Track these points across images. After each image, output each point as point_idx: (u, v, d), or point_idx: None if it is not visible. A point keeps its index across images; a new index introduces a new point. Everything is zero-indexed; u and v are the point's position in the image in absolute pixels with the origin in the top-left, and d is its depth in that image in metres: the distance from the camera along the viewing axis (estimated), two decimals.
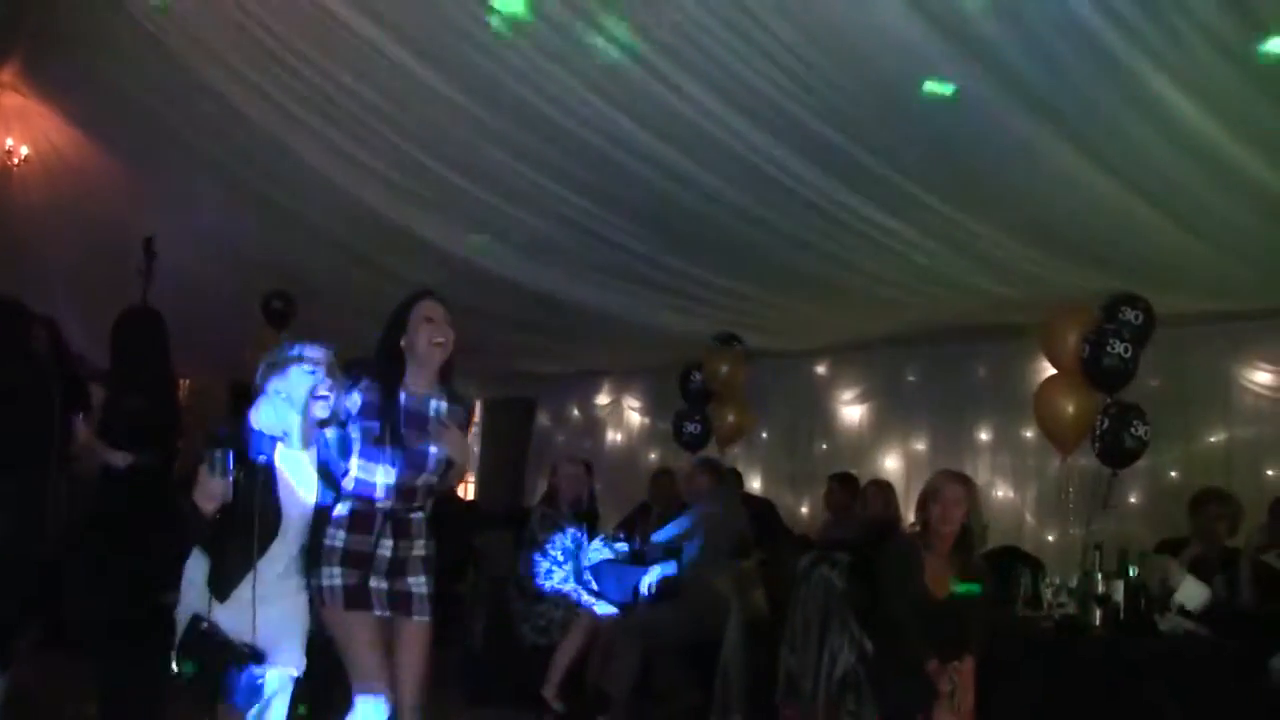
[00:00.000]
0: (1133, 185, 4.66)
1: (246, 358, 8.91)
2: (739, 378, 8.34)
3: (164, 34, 5.74)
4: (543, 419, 12.40)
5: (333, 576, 3.74)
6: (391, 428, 3.79)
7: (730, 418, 8.55)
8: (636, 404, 11.14)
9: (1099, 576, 5.04)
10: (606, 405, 11.54)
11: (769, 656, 5.16)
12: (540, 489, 11.62)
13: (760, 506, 8.08)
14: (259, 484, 3.56)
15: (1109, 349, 5.94)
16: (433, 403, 3.90)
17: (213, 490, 3.47)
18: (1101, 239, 5.37)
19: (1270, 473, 6.38)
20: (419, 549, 3.90)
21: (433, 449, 3.85)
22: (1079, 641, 4.99)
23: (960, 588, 4.70)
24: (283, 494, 3.64)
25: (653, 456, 10.53)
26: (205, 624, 3.50)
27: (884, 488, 7.16)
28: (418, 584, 3.86)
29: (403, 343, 3.86)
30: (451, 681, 6.54)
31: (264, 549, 3.58)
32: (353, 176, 6.34)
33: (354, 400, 3.84)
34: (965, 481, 4.84)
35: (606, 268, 6.97)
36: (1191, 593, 4.29)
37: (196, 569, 3.62)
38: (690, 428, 8.81)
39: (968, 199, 5.16)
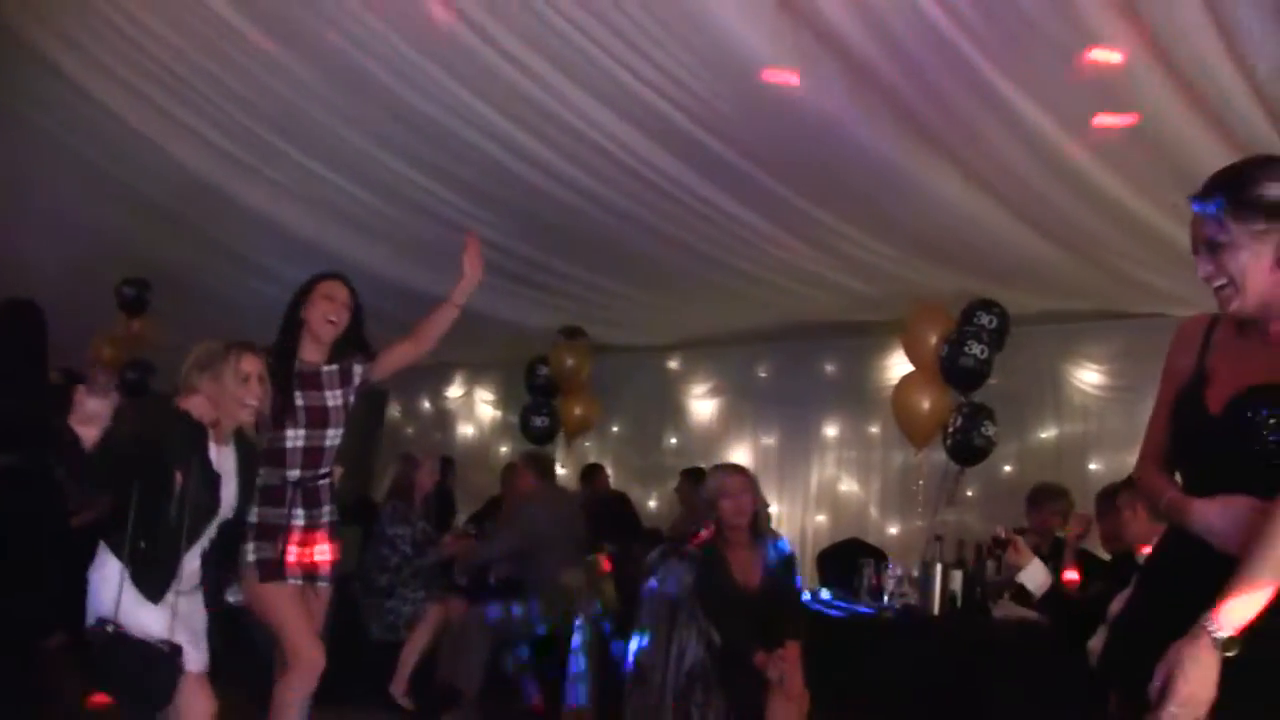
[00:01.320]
0: (985, 187, 4.80)
1: (96, 345, 8.62)
2: (585, 371, 8.36)
3: None
4: (393, 411, 12.24)
5: (247, 552, 3.98)
6: (285, 394, 3.98)
7: (577, 411, 8.57)
8: (489, 397, 11.07)
9: (939, 566, 5.20)
10: (458, 398, 11.45)
11: (619, 649, 5.19)
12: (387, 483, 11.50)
13: (614, 500, 8.12)
14: (194, 479, 3.52)
15: (966, 350, 6.16)
16: (324, 370, 4.14)
17: (91, 411, 3.12)
18: (953, 239, 5.52)
19: (1094, 466, 6.67)
20: (328, 515, 4.17)
21: (329, 402, 4.10)
22: (918, 628, 5.15)
23: (769, 574, 4.81)
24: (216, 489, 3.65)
25: (504, 450, 10.49)
26: (111, 627, 3.42)
27: (697, 481, 7.28)
28: (321, 552, 4.12)
29: (302, 314, 4.11)
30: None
31: (192, 543, 3.57)
32: (209, 163, 6.14)
33: None
34: (743, 471, 4.99)
35: (454, 257, 6.87)
36: (1035, 574, 4.51)
37: (109, 570, 3.49)
38: (538, 421, 8.80)
39: (825, 196, 5.24)
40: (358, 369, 4.24)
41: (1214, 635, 2.01)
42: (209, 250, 7.70)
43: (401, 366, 4.42)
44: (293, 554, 4.03)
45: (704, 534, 4.92)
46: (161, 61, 5.24)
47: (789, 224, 5.56)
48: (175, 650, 3.44)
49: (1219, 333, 2.37)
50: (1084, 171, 4.49)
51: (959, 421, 6.28)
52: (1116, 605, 4.17)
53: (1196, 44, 3.53)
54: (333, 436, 4.16)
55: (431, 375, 11.47)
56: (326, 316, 4.12)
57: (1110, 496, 4.81)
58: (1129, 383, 6.60)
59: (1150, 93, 3.85)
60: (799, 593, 5.05)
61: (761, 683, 4.56)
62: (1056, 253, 5.43)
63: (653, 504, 9.20)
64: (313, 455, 4.11)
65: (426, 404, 11.87)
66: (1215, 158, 4.05)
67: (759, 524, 4.85)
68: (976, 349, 6.16)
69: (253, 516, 4.00)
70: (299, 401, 4.06)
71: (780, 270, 6.32)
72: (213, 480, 3.61)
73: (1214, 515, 2.20)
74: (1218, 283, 2.23)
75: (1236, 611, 2.01)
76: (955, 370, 6.25)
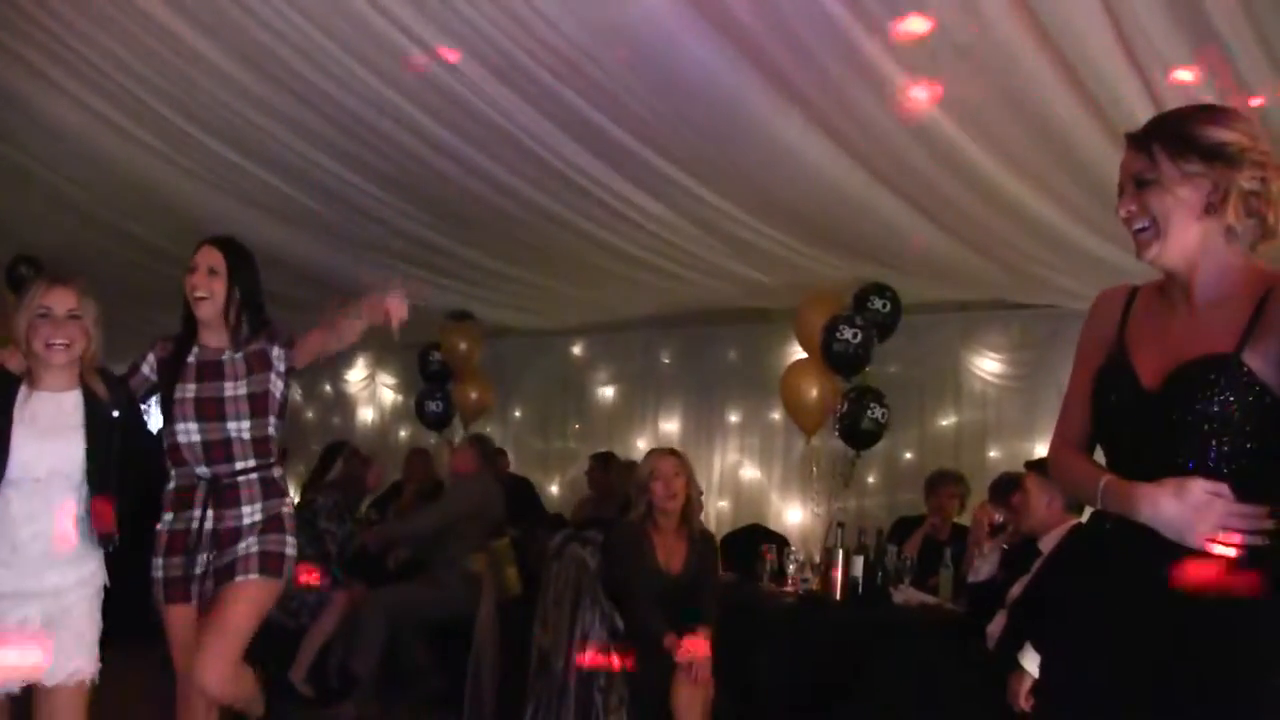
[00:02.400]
0: (879, 176, 4.86)
1: None
2: (476, 355, 8.30)
3: None
4: (293, 395, 12.01)
5: (155, 566, 3.63)
6: (166, 386, 3.65)
7: (473, 395, 8.50)
8: (391, 381, 10.94)
9: (840, 552, 5.26)
10: (360, 381, 11.29)
11: (522, 635, 5.16)
12: (293, 466, 11.31)
13: (517, 484, 8.08)
14: None
15: (838, 335, 6.22)
16: (225, 355, 3.69)
17: None
18: (850, 228, 5.58)
19: (993, 454, 6.80)
20: (248, 516, 3.63)
21: (228, 392, 3.64)
22: (820, 613, 5.20)
23: (691, 560, 4.86)
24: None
25: (403, 434, 10.38)
26: None
27: (611, 466, 7.32)
28: (246, 547, 3.59)
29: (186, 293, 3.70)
30: None
31: None
32: (110, 143, 5.95)
33: (150, 362, 3.74)
34: (677, 455, 5.03)
35: (357, 239, 6.78)
36: (982, 568, 4.63)
37: None
38: (432, 406, 8.73)
39: (716, 178, 5.25)
40: (277, 352, 3.75)
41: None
42: (102, 231, 7.49)
43: (321, 355, 3.94)
44: (200, 565, 3.58)
45: (636, 514, 4.95)
46: (64, 41, 5.08)
47: (681, 207, 5.56)
48: None
49: (1138, 303, 2.25)
50: (978, 166, 4.56)
51: (845, 406, 6.36)
52: (1017, 590, 4.27)
53: (1087, 40, 3.60)
54: (239, 429, 3.63)
55: (332, 359, 11.27)
56: (194, 292, 3.67)
57: (1010, 485, 4.89)
58: (1026, 371, 6.75)
59: (1043, 86, 3.91)
60: (719, 582, 5.08)
61: (667, 668, 4.57)
62: (952, 244, 5.52)
63: (554, 489, 9.18)
64: (218, 449, 3.61)
65: (328, 387, 11.68)
66: (1105, 155, 4.19)
67: (689, 511, 4.88)
68: (849, 333, 6.22)
69: (163, 524, 3.64)
70: (187, 394, 3.62)
71: (677, 257, 6.34)
72: (1, 432, 3.20)
73: (1169, 501, 2.02)
74: (1138, 224, 2.12)
75: None
76: (832, 355, 6.31)
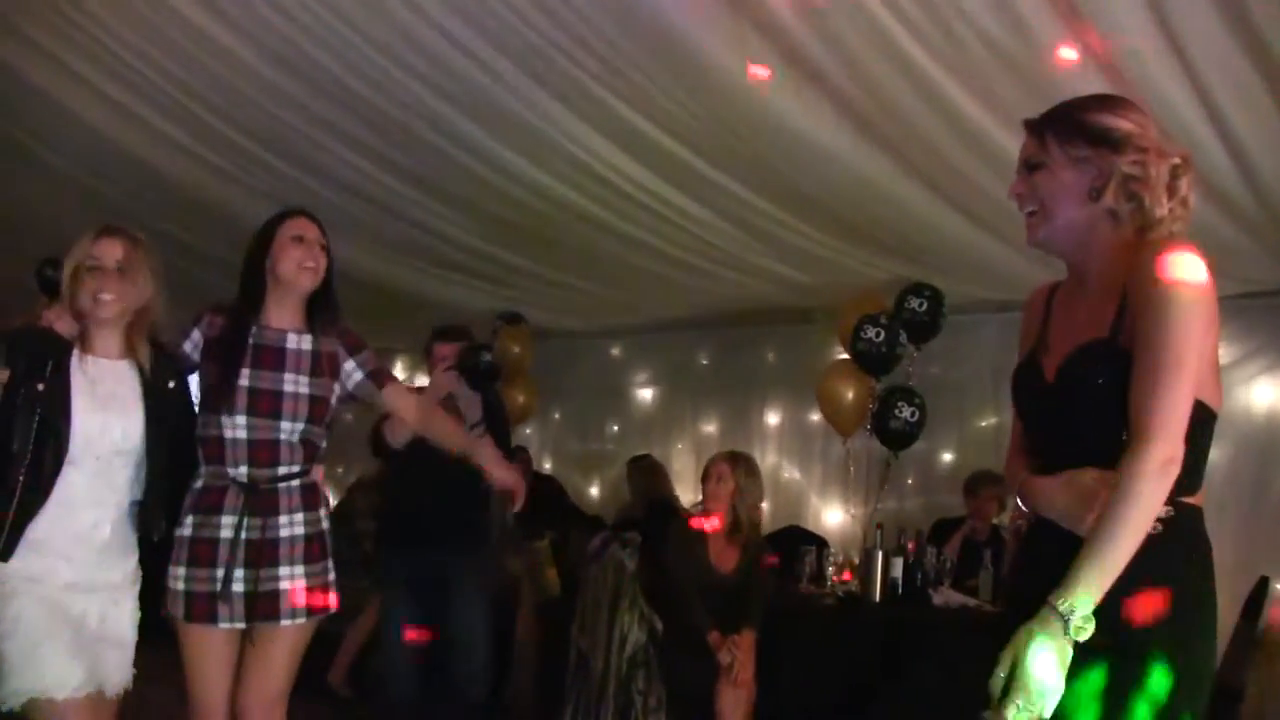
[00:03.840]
0: (919, 175, 4.83)
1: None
2: (528, 358, 8.32)
3: None
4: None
5: (175, 577, 3.20)
6: (227, 368, 3.21)
7: (520, 399, 8.51)
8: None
9: (879, 554, 5.23)
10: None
11: (560, 636, 5.18)
12: (333, 468, 11.37)
13: (542, 484, 8.08)
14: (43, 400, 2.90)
15: (862, 334, 6.19)
16: (291, 337, 3.31)
17: None
18: (891, 227, 5.54)
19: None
20: (288, 528, 3.26)
21: (287, 386, 3.25)
22: (859, 615, 5.18)
23: (744, 563, 4.87)
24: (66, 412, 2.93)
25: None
26: None
27: (644, 468, 7.29)
28: (274, 578, 3.21)
29: (266, 265, 3.29)
30: None
31: (44, 491, 2.90)
32: (138, 139, 6.00)
33: (194, 340, 3.30)
34: (734, 460, 5.03)
35: (399, 244, 6.81)
36: None
37: None
38: None
39: (761, 182, 5.23)
40: (350, 367, 3.41)
41: (1064, 617, 1.83)
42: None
43: (395, 416, 3.80)
44: (237, 582, 3.16)
45: (693, 508, 5.00)
46: (111, 50, 5.12)
47: (719, 206, 5.55)
48: None
49: (1057, 297, 2.29)
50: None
51: (875, 406, 6.33)
52: None
53: (1131, 39, 3.57)
54: (292, 430, 3.25)
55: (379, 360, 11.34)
56: (302, 263, 3.26)
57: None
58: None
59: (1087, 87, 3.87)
60: (767, 586, 5.07)
61: (709, 669, 4.58)
62: (993, 243, 5.47)
63: (594, 491, 9.18)
64: (264, 449, 3.21)
65: None
66: None
67: (740, 515, 4.91)
68: (872, 332, 6.18)
69: (185, 528, 3.21)
70: (243, 381, 3.19)
71: (715, 257, 6.31)
72: (61, 400, 2.89)
73: (1057, 492, 2.06)
74: (1027, 207, 2.17)
75: (1088, 585, 1.84)
76: (859, 355, 6.28)
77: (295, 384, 3.27)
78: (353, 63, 4.66)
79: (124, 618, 3.09)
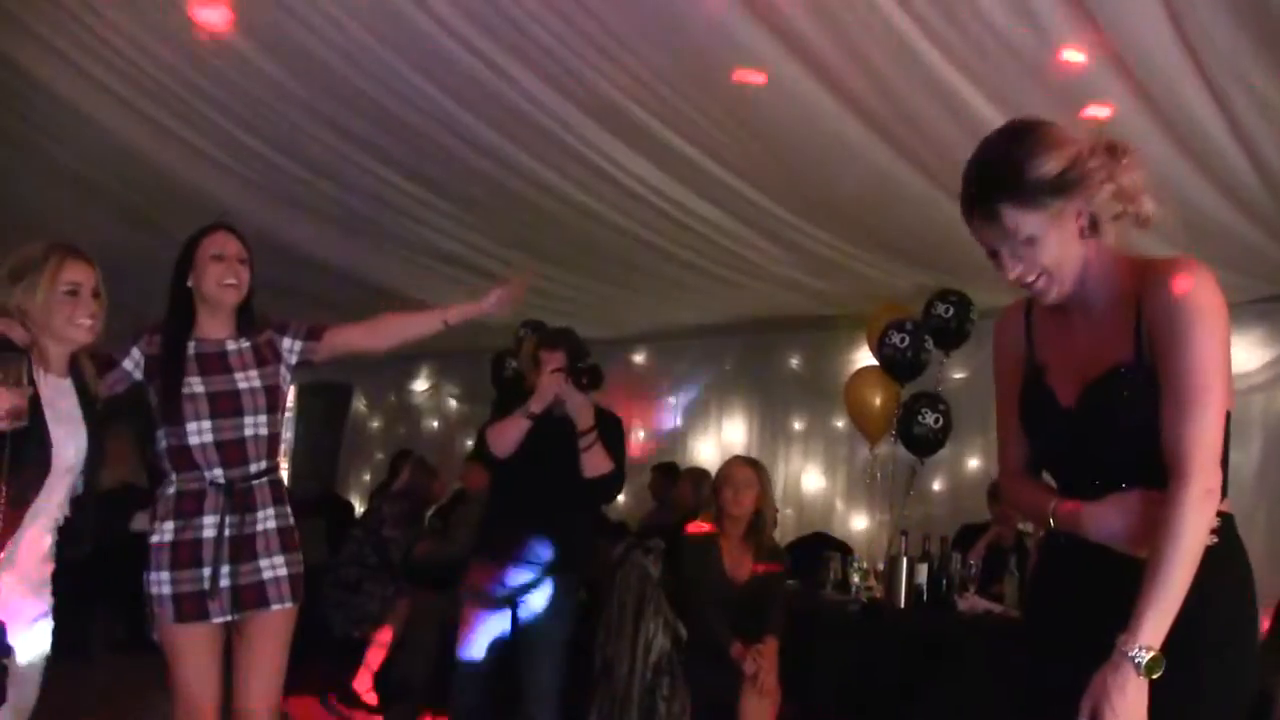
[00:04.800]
0: (941, 182, 4.81)
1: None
2: None
3: None
4: (358, 404, 12.17)
5: (159, 583, 3.27)
6: (172, 382, 3.31)
7: None
8: (455, 390, 11.02)
9: (904, 560, 5.22)
10: (424, 391, 11.39)
11: (585, 642, 5.18)
12: (358, 476, 11.43)
13: None
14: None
15: (887, 340, 6.18)
16: (230, 343, 3.44)
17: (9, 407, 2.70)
18: (915, 235, 5.53)
19: None
20: (264, 522, 3.37)
21: (241, 384, 3.38)
22: (884, 621, 5.16)
23: (759, 570, 4.85)
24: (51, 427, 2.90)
25: (469, 444, 10.44)
26: None
27: (695, 476, 7.26)
28: (256, 570, 3.34)
29: (189, 283, 3.42)
30: None
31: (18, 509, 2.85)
32: (153, 142, 6.03)
33: (134, 357, 3.39)
34: (754, 466, 5.02)
35: (416, 248, 6.84)
36: None
37: None
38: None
39: (784, 190, 5.23)
40: (288, 343, 3.53)
41: (1135, 660, 1.86)
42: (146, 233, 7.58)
43: (346, 354, 3.74)
44: (224, 578, 3.27)
45: (699, 525, 4.95)
46: (124, 53, 5.14)
47: (743, 215, 5.55)
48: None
49: (1037, 316, 2.25)
50: None
51: (900, 413, 6.32)
52: None
53: (1156, 50, 3.55)
54: (255, 424, 3.37)
55: (398, 368, 11.40)
56: (222, 280, 3.38)
57: None
58: None
59: (1112, 97, 3.86)
60: (786, 592, 5.05)
61: (733, 677, 4.57)
62: None
63: (619, 498, 9.16)
64: (234, 449, 3.33)
65: (392, 397, 11.80)
66: (1173, 166, 4.13)
67: (759, 522, 4.89)
68: (898, 338, 6.16)
69: (165, 534, 3.30)
70: (197, 388, 3.32)
71: (739, 265, 6.32)
72: (39, 413, 2.83)
73: (1114, 517, 2.04)
74: (1030, 278, 2.08)
75: (1154, 626, 1.87)
76: (885, 361, 6.27)
77: (247, 380, 3.40)
78: (368, 69, 4.67)
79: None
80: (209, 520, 3.30)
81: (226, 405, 3.34)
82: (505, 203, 5.83)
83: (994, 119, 4.11)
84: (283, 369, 3.51)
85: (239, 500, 3.33)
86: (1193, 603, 1.90)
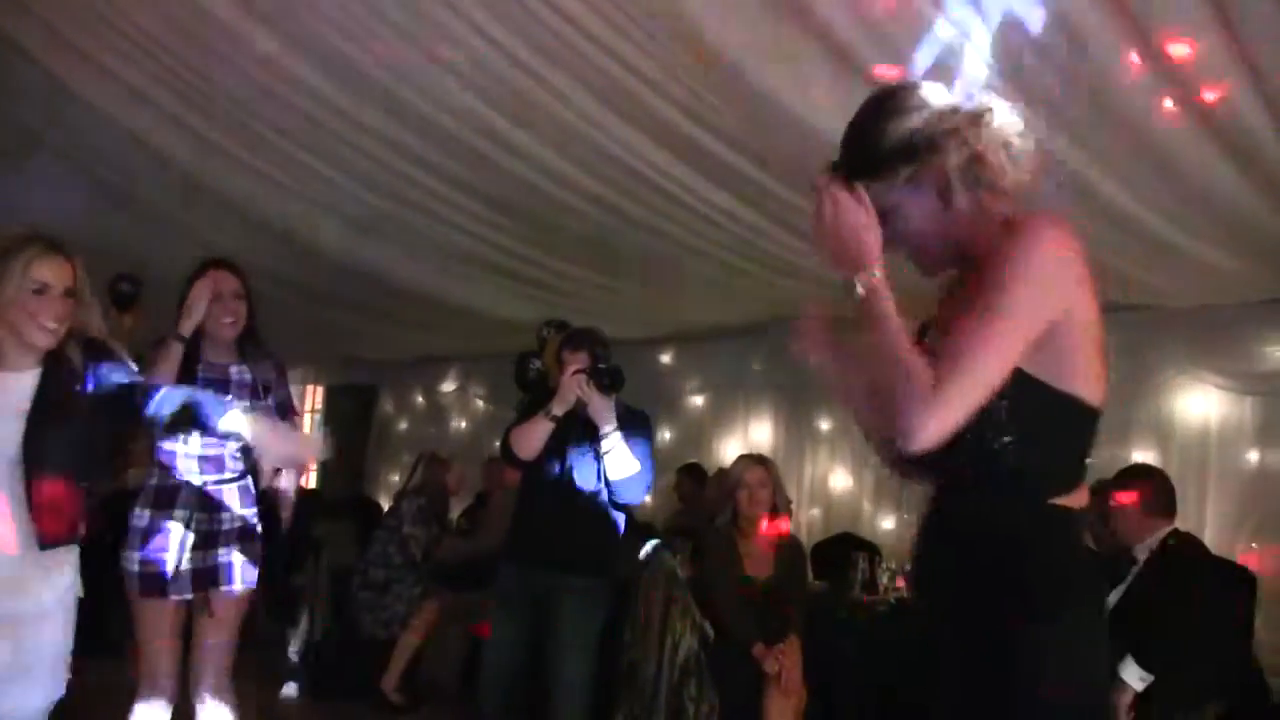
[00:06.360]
0: None
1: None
2: None
3: None
4: (386, 406, 12.20)
5: (130, 560, 3.67)
6: None
7: None
8: (482, 391, 11.03)
9: None
10: (451, 392, 11.40)
11: (611, 643, 5.17)
12: (386, 477, 11.46)
13: None
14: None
15: (922, 340, 6.09)
16: (234, 370, 3.87)
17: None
18: None
19: (1088, 460, 6.61)
20: (229, 522, 3.78)
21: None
22: (912, 623, 5.13)
23: (778, 568, 4.84)
24: None
25: (497, 444, 10.41)
26: None
27: (694, 477, 7.26)
28: (228, 554, 3.76)
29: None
30: (288, 674, 6.41)
31: None
32: (189, 149, 6.08)
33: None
34: (765, 463, 5.01)
35: (444, 249, 6.85)
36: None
37: None
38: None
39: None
40: (272, 397, 3.93)
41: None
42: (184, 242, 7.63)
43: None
44: (184, 562, 3.67)
45: (719, 520, 4.96)
46: (163, 62, 5.20)
47: (772, 212, 5.52)
48: None
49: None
50: (1077, 173, 4.47)
51: None
52: (1113, 600, 4.17)
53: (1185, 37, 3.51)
54: (236, 446, 3.77)
55: (424, 370, 11.43)
56: (220, 319, 3.82)
57: (1101, 492, 4.78)
58: (1121, 375, 6.58)
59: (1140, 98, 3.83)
60: (805, 590, 5.05)
61: (757, 677, 4.56)
62: None
63: (645, 498, 9.14)
64: (210, 462, 3.77)
65: (419, 399, 11.82)
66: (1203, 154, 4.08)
67: (775, 518, 4.89)
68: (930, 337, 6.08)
69: (141, 519, 3.69)
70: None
71: (768, 262, 6.29)
72: None
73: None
74: (903, 253, 2.03)
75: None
76: None
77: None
78: (400, 70, 4.69)
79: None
80: (179, 514, 3.71)
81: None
82: (530, 200, 5.83)
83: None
84: (260, 405, 3.83)
85: (208, 501, 3.75)
86: (1009, 587, 1.88)
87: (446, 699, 6.02)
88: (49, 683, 2.86)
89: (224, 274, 3.85)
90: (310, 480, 11.55)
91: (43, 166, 6.89)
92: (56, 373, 2.88)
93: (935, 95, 1.94)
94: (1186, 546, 4.23)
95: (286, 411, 4.01)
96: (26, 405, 2.81)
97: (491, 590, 5.22)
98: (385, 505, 10.46)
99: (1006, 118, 1.93)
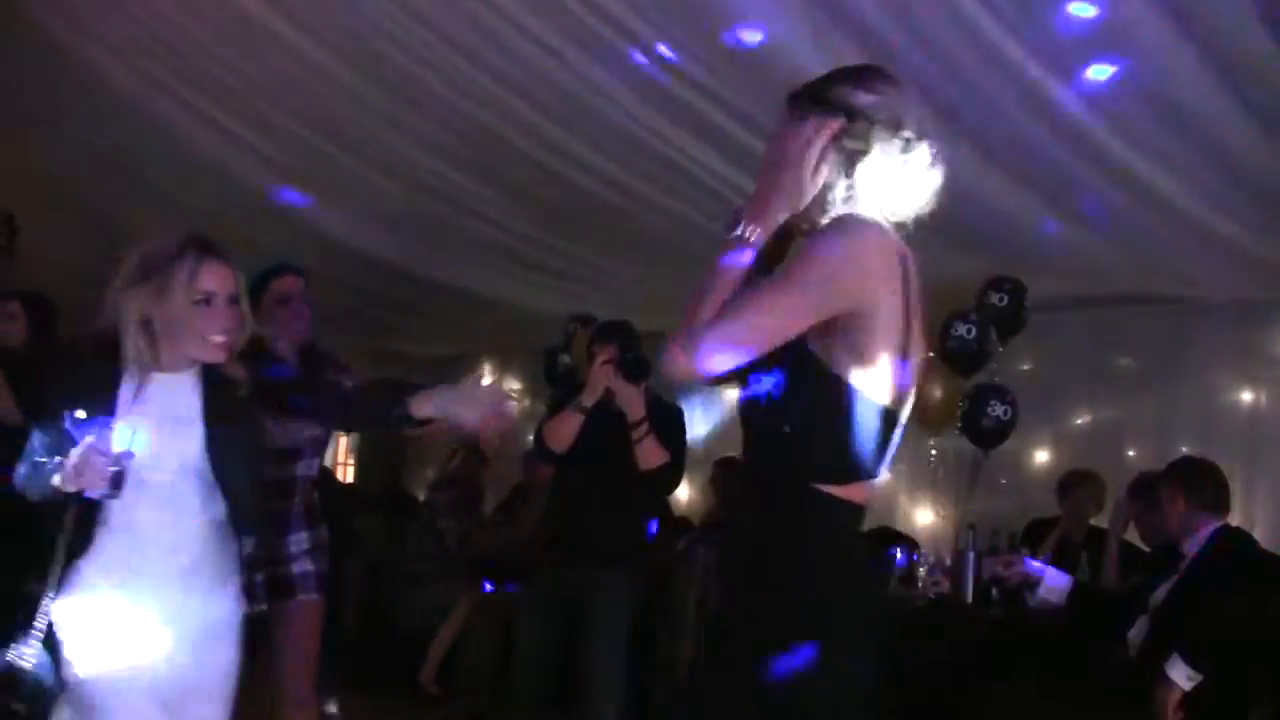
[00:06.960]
0: (1005, 169, 4.74)
1: None
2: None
3: None
4: None
5: None
6: None
7: None
8: (517, 385, 11.02)
9: (971, 555, 5.14)
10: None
11: (645, 637, 5.16)
12: (422, 471, 11.48)
13: None
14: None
15: (953, 331, 6.03)
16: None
17: None
18: (973, 222, 5.44)
19: (1131, 453, 6.57)
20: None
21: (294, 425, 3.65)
22: (951, 617, 5.09)
23: None
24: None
25: (530, 438, 10.42)
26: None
27: (728, 466, 7.22)
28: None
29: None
30: (325, 667, 6.43)
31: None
32: (210, 140, 6.09)
33: None
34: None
35: (474, 242, 6.84)
36: (1055, 588, 4.27)
37: None
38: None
39: None
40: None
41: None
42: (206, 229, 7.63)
43: None
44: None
45: None
46: (179, 50, 5.20)
47: None
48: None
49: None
50: (1113, 156, 4.41)
51: (966, 404, 6.18)
52: (1161, 596, 4.11)
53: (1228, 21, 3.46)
54: (297, 460, 3.84)
55: (459, 365, 11.44)
56: (289, 325, 3.75)
57: (1148, 486, 4.72)
58: (1163, 368, 6.51)
59: (1182, 70, 3.77)
60: None
61: None
62: (1083, 235, 5.35)
63: (682, 492, 9.13)
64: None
65: None
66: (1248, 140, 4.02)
67: None
68: (963, 329, 6.02)
69: None
70: None
71: None
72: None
73: None
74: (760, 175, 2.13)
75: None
76: (948, 353, 6.13)
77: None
78: (424, 58, 4.67)
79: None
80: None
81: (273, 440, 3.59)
82: (565, 195, 5.81)
83: (1060, 98, 4.05)
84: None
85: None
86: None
87: (480, 689, 6.01)
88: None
89: (289, 279, 3.83)
90: (348, 475, 11.61)
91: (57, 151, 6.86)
92: (225, 386, 2.71)
93: (899, 97, 2.07)
94: (1237, 542, 4.16)
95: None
96: (195, 417, 2.64)
97: (525, 582, 5.30)
98: (421, 499, 10.52)
99: (920, 162, 2.12)
